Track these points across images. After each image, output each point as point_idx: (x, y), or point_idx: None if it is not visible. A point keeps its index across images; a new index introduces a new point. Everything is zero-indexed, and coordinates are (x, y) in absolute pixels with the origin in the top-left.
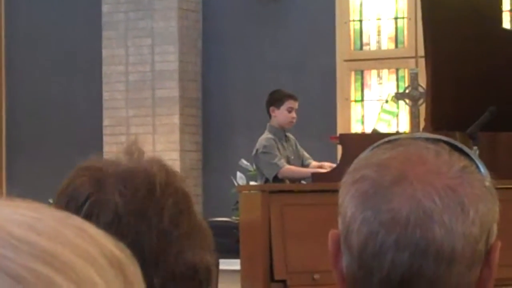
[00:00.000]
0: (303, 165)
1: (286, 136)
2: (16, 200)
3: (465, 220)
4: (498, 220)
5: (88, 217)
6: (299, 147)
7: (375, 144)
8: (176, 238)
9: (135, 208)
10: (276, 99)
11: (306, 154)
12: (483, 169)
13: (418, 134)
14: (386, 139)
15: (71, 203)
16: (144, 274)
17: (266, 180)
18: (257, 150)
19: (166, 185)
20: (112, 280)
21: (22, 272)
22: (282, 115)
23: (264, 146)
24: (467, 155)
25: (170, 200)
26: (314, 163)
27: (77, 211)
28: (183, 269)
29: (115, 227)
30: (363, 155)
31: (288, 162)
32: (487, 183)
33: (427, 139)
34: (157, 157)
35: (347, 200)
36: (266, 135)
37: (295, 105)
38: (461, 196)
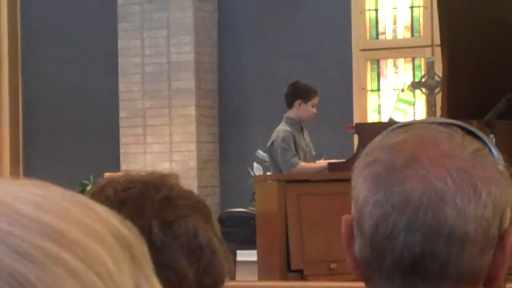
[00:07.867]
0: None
1: (302, 128)
2: (21, 179)
3: (477, 202)
4: None
5: None
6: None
7: (389, 129)
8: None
9: None
10: (304, 93)
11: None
12: (496, 152)
13: (431, 119)
14: (399, 124)
15: None
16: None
17: (280, 171)
18: (273, 142)
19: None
20: (120, 258)
21: (31, 249)
22: (307, 110)
23: (282, 140)
24: (480, 139)
25: None
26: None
27: None
28: None
29: None
30: (376, 139)
31: (304, 154)
32: (500, 166)
33: (441, 123)
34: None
35: (360, 183)
36: (283, 126)
37: (317, 100)
38: (474, 178)
